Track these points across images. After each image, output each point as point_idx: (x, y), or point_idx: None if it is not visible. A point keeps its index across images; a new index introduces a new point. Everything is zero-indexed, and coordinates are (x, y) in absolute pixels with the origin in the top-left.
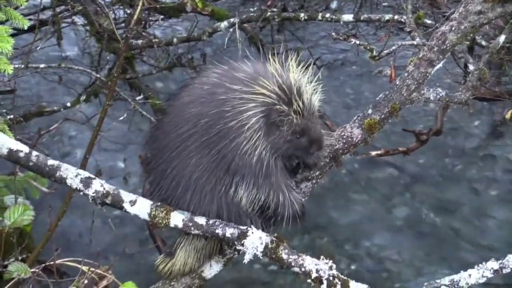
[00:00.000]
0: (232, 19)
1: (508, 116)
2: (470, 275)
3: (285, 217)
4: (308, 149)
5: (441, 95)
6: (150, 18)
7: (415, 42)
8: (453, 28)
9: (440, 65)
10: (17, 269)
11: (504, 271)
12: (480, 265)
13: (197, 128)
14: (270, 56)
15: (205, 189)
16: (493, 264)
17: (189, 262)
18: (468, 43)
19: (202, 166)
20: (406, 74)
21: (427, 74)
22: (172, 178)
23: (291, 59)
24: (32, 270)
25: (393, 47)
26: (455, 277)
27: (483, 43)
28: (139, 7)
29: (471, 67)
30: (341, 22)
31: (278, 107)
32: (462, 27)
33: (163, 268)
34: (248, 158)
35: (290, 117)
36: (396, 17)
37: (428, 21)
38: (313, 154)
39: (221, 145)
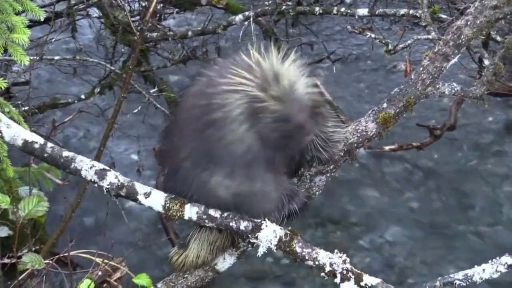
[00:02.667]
0: (247, 13)
1: None
2: (484, 270)
3: (254, 211)
4: (295, 136)
5: (456, 89)
6: (165, 10)
7: (430, 37)
8: (468, 23)
9: (455, 59)
10: (31, 260)
11: None
12: (494, 260)
13: (190, 120)
14: (251, 48)
15: (190, 177)
16: (507, 259)
17: (202, 255)
18: (483, 38)
19: (191, 156)
20: (421, 69)
21: (442, 69)
22: (174, 170)
23: (272, 47)
24: (46, 261)
25: (409, 41)
26: (469, 271)
27: (498, 38)
28: (154, 0)
29: (486, 62)
30: (356, 17)
31: (257, 94)
32: (478, 22)
33: (176, 260)
34: (232, 149)
35: (268, 103)
36: (411, 11)
37: (444, 16)
38: (303, 143)
39: (208, 135)
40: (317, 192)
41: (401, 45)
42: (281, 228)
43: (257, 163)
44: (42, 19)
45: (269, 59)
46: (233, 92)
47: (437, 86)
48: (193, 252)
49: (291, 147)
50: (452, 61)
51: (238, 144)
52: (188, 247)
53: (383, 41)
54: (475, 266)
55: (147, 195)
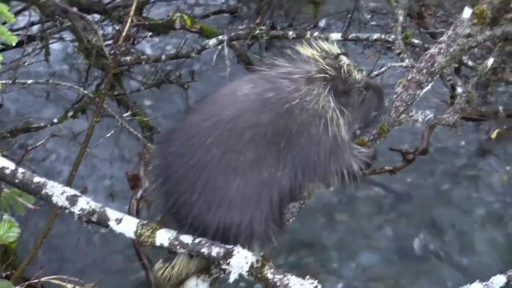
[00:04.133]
0: (220, 37)
1: (494, 136)
2: None
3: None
4: (378, 99)
5: (429, 117)
6: (139, 34)
7: (404, 64)
8: (442, 51)
9: (429, 87)
10: (1, 286)
11: None
12: (464, 286)
13: (253, 143)
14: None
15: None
16: (477, 286)
17: (190, 266)
18: (456, 65)
19: (271, 178)
20: (395, 96)
21: (416, 96)
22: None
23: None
24: (17, 287)
25: (383, 69)
26: None
27: (470, 63)
28: (128, 24)
29: (459, 90)
30: (330, 41)
31: (341, 72)
32: (451, 50)
33: (162, 273)
34: (329, 145)
35: (353, 76)
36: (384, 36)
37: (416, 41)
38: (383, 105)
39: (297, 147)
40: (291, 219)
41: (375, 72)
42: (252, 254)
43: (346, 143)
44: (14, 44)
45: (320, 45)
46: (312, 85)
47: (411, 114)
48: (181, 262)
49: (373, 115)
50: (426, 89)
51: (333, 138)
52: (175, 258)
53: (357, 68)
54: None
55: (118, 221)
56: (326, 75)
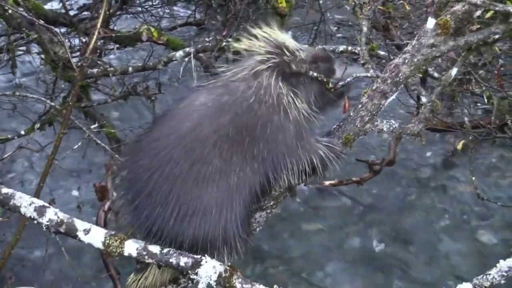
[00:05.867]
0: (187, 49)
1: (459, 147)
2: None
3: (332, 165)
4: (329, 65)
5: (394, 126)
6: (106, 46)
7: (369, 74)
8: (406, 61)
9: (394, 96)
10: None
11: None
12: None
13: (218, 148)
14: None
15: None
16: None
17: (164, 275)
18: (420, 75)
19: (241, 181)
20: (360, 106)
21: (381, 106)
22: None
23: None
24: None
25: (348, 79)
26: None
27: (436, 74)
28: (94, 36)
29: (423, 99)
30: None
31: (284, 55)
32: (415, 60)
33: (136, 286)
34: (293, 129)
35: (296, 55)
36: (350, 48)
37: (382, 52)
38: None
39: (263, 140)
40: (258, 228)
41: (340, 83)
42: (220, 264)
43: (307, 130)
44: None
45: (262, 34)
46: (258, 76)
47: (376, 123)
48: (153, 272)
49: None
50: (390, 99)
51: (292, 123)
52: (147, 269)
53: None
54: None
55: (86, 231)
56: (269, 64)
